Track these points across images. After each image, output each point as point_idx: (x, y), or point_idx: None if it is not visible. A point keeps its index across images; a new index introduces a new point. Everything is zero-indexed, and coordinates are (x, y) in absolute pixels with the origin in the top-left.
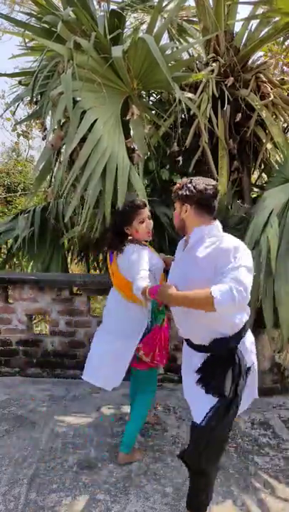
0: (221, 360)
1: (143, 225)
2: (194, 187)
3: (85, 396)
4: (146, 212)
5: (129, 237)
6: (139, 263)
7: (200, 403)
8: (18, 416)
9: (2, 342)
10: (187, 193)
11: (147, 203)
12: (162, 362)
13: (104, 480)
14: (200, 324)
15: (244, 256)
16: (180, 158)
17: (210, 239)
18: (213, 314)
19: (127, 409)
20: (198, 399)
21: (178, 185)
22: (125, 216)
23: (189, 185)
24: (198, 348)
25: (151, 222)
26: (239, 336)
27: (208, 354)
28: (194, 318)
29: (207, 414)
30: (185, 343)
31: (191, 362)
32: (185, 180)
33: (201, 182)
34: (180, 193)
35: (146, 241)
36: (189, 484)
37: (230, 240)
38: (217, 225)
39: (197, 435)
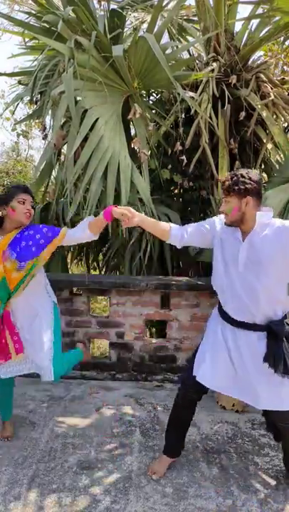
0: (282, 340)
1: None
2: (251, 179)
3: (85, 396)
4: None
5: None
6: None
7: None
8: (18, 416)
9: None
10: (247, 186)
11: (151, 204)
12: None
13: (104, 480)
14: (270, 304)
15: None
16: (184, 157)
17: (274, 221)
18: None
19: (127, 409)
20: (277, 384)
21: (227, 179)
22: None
23: (244, 178)
24: (260, 329)
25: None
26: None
27: (266, 337)
28: (267, 297)
29: None
30: (230, 333)
31: (240, 351)
32: (231, 174)
33: (252, 173)
34: (238, 187)
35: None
36: None
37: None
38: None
39: None
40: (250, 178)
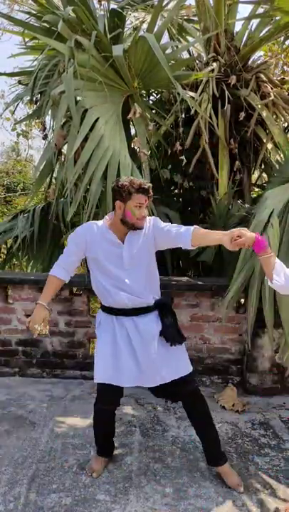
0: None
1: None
2: None
3: (85, 396)
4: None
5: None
6: None
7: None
8: (18, 416)
9: (2, 342)
10: None
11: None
12: None
13: (104, 480)
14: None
15: None
16: (183, 157)
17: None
18: None
19: (126, 409)
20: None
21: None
22: None
23: None
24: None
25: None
26: None
27: None
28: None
29: None
30: None
31: (141, 335)
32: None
33: None
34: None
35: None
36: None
37: None
38: None
39: None
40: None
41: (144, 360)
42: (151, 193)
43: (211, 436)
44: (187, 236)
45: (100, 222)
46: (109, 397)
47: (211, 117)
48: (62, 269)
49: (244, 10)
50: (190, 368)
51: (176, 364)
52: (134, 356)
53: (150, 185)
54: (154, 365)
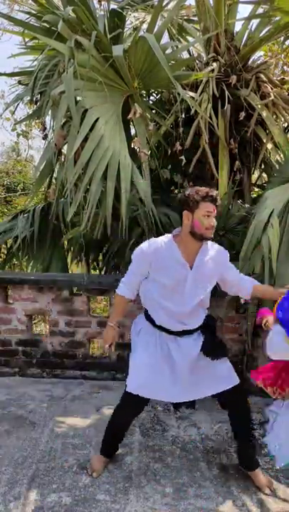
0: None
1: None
2: None
3: (85, 396)
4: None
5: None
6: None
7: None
8: (18, 416)
9: (2, 342)
10: None
11: (151, 204)
12: None
13: (104, 480)
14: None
15: None
16: (183, 157)
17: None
18: None
19: None
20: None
21: (213, 191)
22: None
23: None
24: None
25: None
26: None
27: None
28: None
29: None
30: None
31: (183, 352)
32: (208, 187)
33: None
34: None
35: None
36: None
37: None
38: None
39: None
40: None
41: (184, 375)
42: (219, 201)
43: (249, 444)
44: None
45: (167, 239)
46: (137, 408)
47: (211, 117)
48: (127, 289)
49: (244, 10)
50: (232, 381)
51: (217, 378)
52: (173, 370)
53: (217, 192)
54: (194, 380)
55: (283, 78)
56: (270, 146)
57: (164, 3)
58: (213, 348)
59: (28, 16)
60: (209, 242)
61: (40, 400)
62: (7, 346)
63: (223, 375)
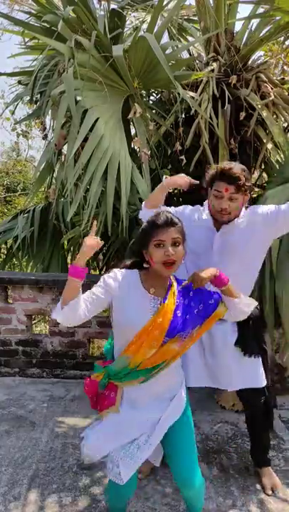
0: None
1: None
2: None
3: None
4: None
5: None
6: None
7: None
8: (18, 416)
9: (2, 342)
10: (250, 183)
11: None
12: None
13: (104, 480)
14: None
15: None
16: (183, 157)
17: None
18: None
19: None
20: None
21: (240, 174)
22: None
23: (247, 173)
24: None
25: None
26: None
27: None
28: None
29: None
30: None
31: (214, 341)
32: (238, 167)
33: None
34: (248, 185)
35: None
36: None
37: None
38: None
39: None
40: (248, 173)
41: (213, 362)
42: (242, 180)
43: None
44: None
45: (202, 207)
46: None
47: (211, 117)
48: None
49: (244, 10)
50: (259, 382)
51: (245, 374)
52: (202, 356)
53: (237, 171)
54: (222, 369)
55: (283, 78)
56: (270, 146)
57: (164, 3)
58: (249, 344)
59: (28, 16)
60: (245, 212)
61: (40, 400)
62: (7, 346)
63: (253, 374)
